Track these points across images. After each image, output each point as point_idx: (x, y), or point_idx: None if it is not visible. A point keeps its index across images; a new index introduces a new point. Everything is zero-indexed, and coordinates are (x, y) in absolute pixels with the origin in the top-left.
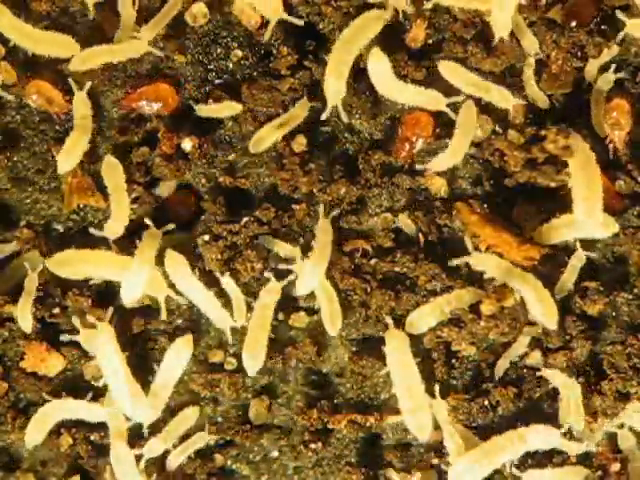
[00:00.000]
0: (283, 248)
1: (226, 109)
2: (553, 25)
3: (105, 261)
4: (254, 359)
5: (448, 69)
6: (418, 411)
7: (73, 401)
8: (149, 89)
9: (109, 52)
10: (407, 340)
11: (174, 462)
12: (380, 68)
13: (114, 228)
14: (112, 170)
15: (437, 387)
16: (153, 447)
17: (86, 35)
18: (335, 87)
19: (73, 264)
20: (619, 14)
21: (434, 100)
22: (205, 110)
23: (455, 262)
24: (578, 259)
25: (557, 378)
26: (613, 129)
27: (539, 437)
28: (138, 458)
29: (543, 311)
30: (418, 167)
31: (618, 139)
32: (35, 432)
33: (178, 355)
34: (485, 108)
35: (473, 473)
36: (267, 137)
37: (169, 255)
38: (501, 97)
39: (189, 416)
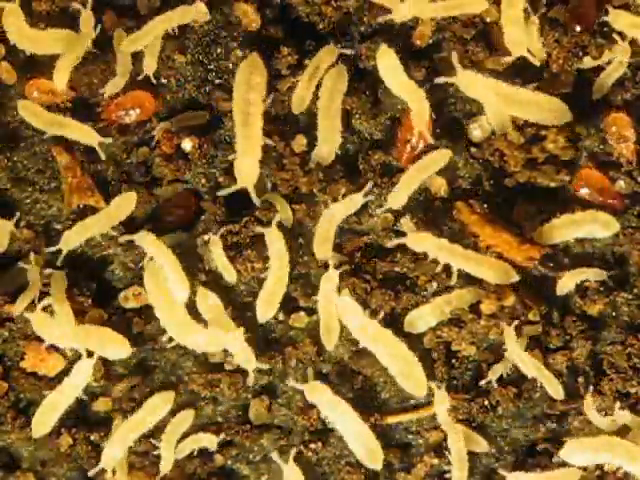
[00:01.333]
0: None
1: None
2: (555, 24)
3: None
4: (268, 309)
5: (466, 80)
6: (409, 371)
7: (76, 379)
8: (124, 98)
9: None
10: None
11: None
12: (389, 64)
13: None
14: (127, 202)
15: (442, 386)
16: (166, 458)
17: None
18: (249, 168)
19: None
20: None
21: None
22: None
23: (391, 244)
24: (597, 274)
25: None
26: (619, 142)
27: None
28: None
29: (500, 277)
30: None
31: (627, 151)
32: (41, 423)
33: (157, 409)
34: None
35: (585, 457)
36: (305, 94)
37: (201, 292)
38: (498, 124)
39: (185, 418)
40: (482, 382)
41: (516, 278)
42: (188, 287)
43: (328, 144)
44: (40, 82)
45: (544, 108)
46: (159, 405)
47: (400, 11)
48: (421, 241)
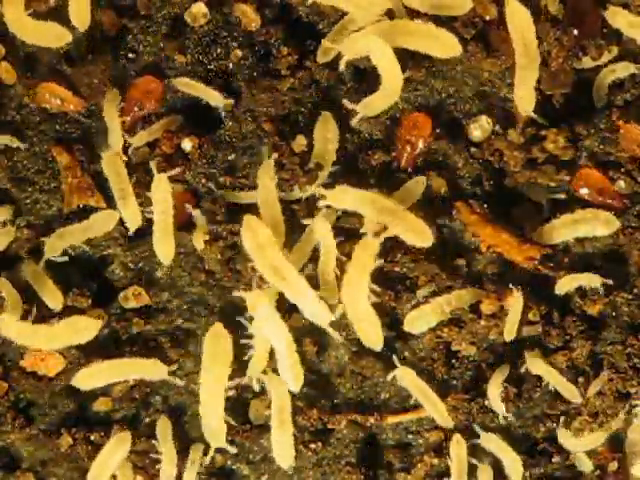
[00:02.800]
0: None
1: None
2: (557, 22)
3: None
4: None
5: None
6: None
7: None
8: (132, 91)
9: None
10: None
11: None
12: (382, 52)
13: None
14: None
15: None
16: (167, 472)
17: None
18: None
19: None
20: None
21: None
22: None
23: (322, 204)
24: (591, 279)
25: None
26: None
27: None
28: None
29: (416, 237)
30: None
31: None
32: (89, 379)
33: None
34: (486, 108)
35: None
36: (331, 46)
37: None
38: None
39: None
40: (486, 402)
41: (430, 242)
42: None
43: (324, 150)
44: (50, 86)
45: (432, 37)
46: (117, 447)
47: None
48: (342, 196)
